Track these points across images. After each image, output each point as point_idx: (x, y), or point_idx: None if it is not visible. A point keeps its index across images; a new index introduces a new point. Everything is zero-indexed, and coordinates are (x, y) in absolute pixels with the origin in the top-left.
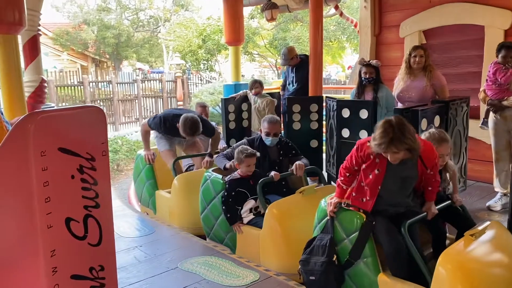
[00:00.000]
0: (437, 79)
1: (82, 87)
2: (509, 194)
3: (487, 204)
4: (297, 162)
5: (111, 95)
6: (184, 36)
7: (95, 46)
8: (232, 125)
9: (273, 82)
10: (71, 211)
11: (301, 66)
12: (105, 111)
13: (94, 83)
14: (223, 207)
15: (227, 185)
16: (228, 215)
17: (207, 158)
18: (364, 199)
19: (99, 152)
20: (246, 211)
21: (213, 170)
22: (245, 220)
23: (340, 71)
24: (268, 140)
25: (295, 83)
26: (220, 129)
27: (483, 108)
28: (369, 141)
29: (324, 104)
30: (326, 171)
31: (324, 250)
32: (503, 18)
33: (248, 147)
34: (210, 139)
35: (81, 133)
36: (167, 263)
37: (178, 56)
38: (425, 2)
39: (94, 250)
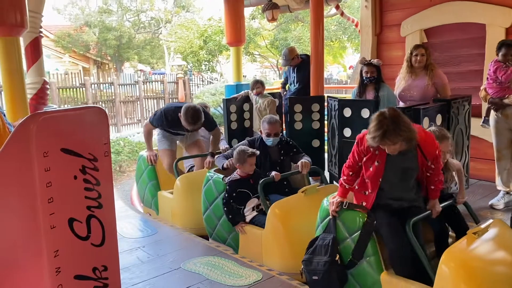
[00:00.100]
0: (439, 77)
1: (84, 89)
2: (511, 192)
3: (489, 203)
4: (302, 160)
5: (113, 97)
6: (185, 37)
7: (97, 48)
8: (234, 126)
9: (274, 82)
10: (74, 212)
11: (302, 66)
12: (107, 112)
13: (96, 85)
14: (224, 209)
15: (227, 187)
16: (230, 216)
17: (208, 159)
18: (367, 192)
19: (101, 153)
20: (249, 209)
21: (215, 170)
22: (248, 218)
23: (341, 71)
24: (269, 141)
25: (297, 83)
26: (222, 130)
27: (485, 106)
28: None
29: (325, 103)
30: (328, 171)
31: (326, 250)
32: (504, 16)
33: (247, 147)
34: (211, 137)
35: (83, 133)
36: (169, 264)
37: (179, 57)
38: (426, 1)
39: (97, 251)
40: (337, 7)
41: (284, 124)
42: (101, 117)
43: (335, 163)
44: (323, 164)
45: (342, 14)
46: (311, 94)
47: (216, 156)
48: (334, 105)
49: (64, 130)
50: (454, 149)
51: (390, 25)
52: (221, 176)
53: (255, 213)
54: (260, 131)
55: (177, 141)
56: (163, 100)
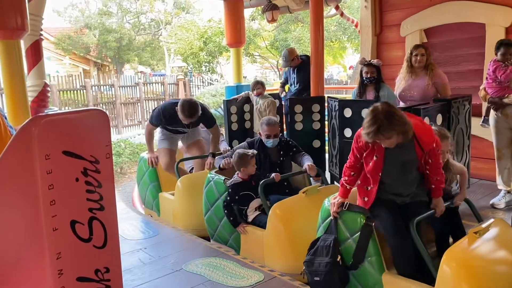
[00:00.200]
0: (439, 77)
1: (84, 91)
2: None
3: (490, 202)
4: (308, 163)
5: (114, 99)
6: (186, 38)
7: (97, 50)
8: (234, 127)
9: (274, 83)
10: (76, 214)
11: (302, 67)
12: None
13: (96, 87)
14: (225, 211)
15: (229, 190)
16: (231, 218)
17: (209, 160)
18: (369, 188)
19: (103, 155)
20: (251, 210)
21: (215, 172)
22: (250, 218)
23: (341, 71)
24: (269, 142)
25: (297, 84)
26: (223, 131)
27: (485, 106)
28: None
29: (326, 104)
30: (329, 171)
31: (328, 251)
32: (504, 16)
33: (246, 149)
34: (210, 136)
35: (85, 136)
36: (171, 265)
37: (179, 58)
38: (426, 0)
39: (99, 252)
40: (337, 8)
41: (284, 125)
42: (103, 119)
43: (335, 163)
44: (324, 164)
45: (342, 14)
46: (312, 95)
47: (216, 158)
48: (335, 105)
49: (66, 132)
50: (454, 149)
51: (390, 25)
52: (222, 177)
53: (257, 212)
54: (259, 133)
55: (179, 141)
56: (163, 102)
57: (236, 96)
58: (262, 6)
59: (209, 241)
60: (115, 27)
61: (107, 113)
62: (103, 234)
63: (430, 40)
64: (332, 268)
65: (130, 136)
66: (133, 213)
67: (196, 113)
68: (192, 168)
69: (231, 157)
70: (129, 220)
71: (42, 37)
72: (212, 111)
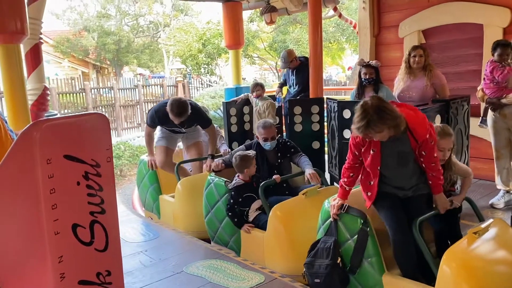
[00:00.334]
0: (437, 78)
1: (84, 93)
2: (511, 191)
3: (490, 202)
4: (310, 172)
5: (113, 101)
6: (184, 40)
7: (96, 52)
8: (234, 128)
9: (273, 84)
10: (78, 217)
11: (301, 69)
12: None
13: (95, 90)
14: (229, 214)
15: (232, 193)
16: (236, 220)
17: (208, 162)
18: (372, 182)
19: (103, 159)
20: (252, 210)
21: (215, 174)
22: (251, 218)
23: (340, 72)
24: (267, 145)
25: (296, 85)
26: (222, 133)
27: (483, 106)
28: None
29: (325, 105)
30: (329, 172)
31: (328, 253)
32: (502, 16)
33: (246, 152)
34: (208, 136)
35: (85, 140)
36: (172, 267)
37: (178, 60)
38: (424, 1)
39: (101, 256)
40: (335, 9)
41: (284, 126)
42: (103, 123)
43: (335, 164)
44: (323, 165)
45: (340, 16)
46: (310, 96)
47: (215, 160)
48: (334, 106)
49: (67, 137)
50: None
51: (388, 26)
52: (223, 179)
53: (257, 212)
54: (257, 136)
55: (178, 141)
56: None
57: (235, 98)
58: (261, 8)
59: (210, 243)
60: (114, 29)
61: (107, 115)
62: (105, 237)
63: (428, 41)
64: (332, 270)
65: (130, 138)
66: (134, 215)
67: (185, 112)
68: (191, 170)
69: (225, 160)
70: (130, 223)
71: (41, 41)
72: (211, 113)
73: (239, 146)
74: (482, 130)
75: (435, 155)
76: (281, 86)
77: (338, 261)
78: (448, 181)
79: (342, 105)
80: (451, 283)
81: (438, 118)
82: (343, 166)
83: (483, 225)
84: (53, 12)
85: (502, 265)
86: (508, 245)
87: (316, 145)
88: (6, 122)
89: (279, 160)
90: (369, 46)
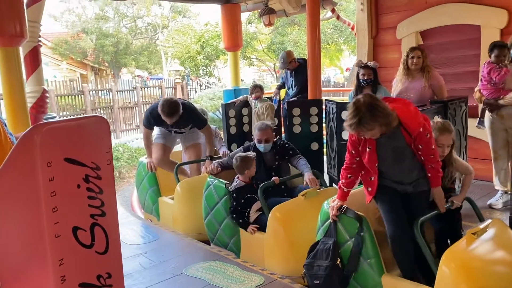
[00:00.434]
0: (435, 79)
1: (82, 96)
2: (509, 192)
3: (488, 202)
4: (309, 178)
5: (111, 103)
6: (183, 42)
7: (94, 54)
8: (233, 130)
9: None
10: (78, 220)
11: (299, 70)
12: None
13: (94, 92)
14: (233, 215)
15: (234, 195)
16: (240, 221)
17: (207, 163)
18: (372, 178)
19: (103, 161)
20: (253, 211)
21: (215, 176)
22: (252, 219)
23: (338, 73)
24: (261, 147)
25: (295, 87)
26: (221, 134)
27: (480, 107)
28: None
29: (323, 107)
30: (328, 173)
31: (328, 254)
32: (499, 18)
33: (246, 153)
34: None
35: (86, 143)
36: (172, 269)
37: (177, 62)
38: (421, 3)
39: (101, 258)
40: (333, 11)
41: (283, 128)
42: (103, 126)
43: (334, 165)
44: (322, 167)
45: (338, 17)
46: (309, 98)
47: (214, 162)
48: (332, 108)
49: (67, 140)
50: (459, 140)
51: (386, 28)
52: (222, 181)
53: (258, 213)
54: (253, 138)
55: (177, 140)
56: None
57: (234, 100)
58: (259, 10)
59: (209, 245)
60: (112, 31)
61: (105, 117)
62: (105, 240)
63: (426, 42)
64: (331, 271)
65: (128, 140)
66: (133, 217)
67: (176, 112)
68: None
69: (222, 163)
70: (129, 225)
71: (40, 43)
72: (210, 114)
73: (238, 147)
74: (480, 131)
75: (433, 147)
76: (279, 88)
77: (338, 262)
78: (448, 178)
79: (341, 106)
80: (450, 284)
81: (436, 119)
82: (342, 167)
83: (482, 226)
84: (51, 14)
85: (501, 265)
86: (506, 245)
87: (314, 146)
88: (5, 125)
89: (276, 163)
90: (367, 47)
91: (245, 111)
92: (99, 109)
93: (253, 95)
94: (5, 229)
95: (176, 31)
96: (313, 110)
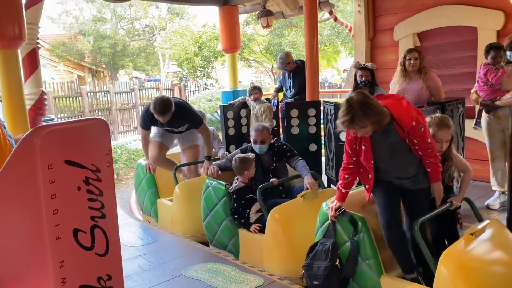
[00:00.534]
0: (433, 80)
1: (80, 97)
2: (507, 192)
3: (485, 203)
4: (309, 181)
5: (109, 105)
6: (180, 44)
7: (91, 56)
8: (231, 132)
9: (269, 87)
10: (79, 222)
11: (297, 72)
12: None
13: (92, 93)
14: (235, 216)
15: (234, 196)
16: (242, 221)
17: (205, 164)
18: (369, 176)
19: (103, 163)
20: (253, 211)
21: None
22: (252, 219)
23: (335, 75)
24: (256, 148)
25: (293, 88)
26: (220, 136)
27: (477, 108)
28: None
29: (321, 108)
30: (326, 174)
31: (327, 255)
32: (495, 19)
33: (245, 154)
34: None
35: (86, 145)
36: (171, 271)
37: (174, 64)
38: (418, 5)
39: (102, 260)
40: (331, 13)
41: (281, 129)
42: (103, 128)
43: (332, 166)
44: (321, 168)
45: (335, 19)
46: (307, 99)
47: (213, 164)
48: (330, 109)
49: (68, 142)
50: (456, 141)
51: (383, 30)
52: (221, 183)
53: (259, 214)
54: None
55: (174, 140)
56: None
57: (232, 101)
58: (257, 12)
59: (208, 246)
60: (110, 33)
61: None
62: (105, 242)
63: (423, 43)
64: (331, 272)
65: (126, 142)
66: (131, 219)
67: (168, 111)
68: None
69: (220, 165)
70: (128, 227)
71: (38, 45)
72: (208, 115)
73: (236, 149)
74: (477, 131)
75: (429, 140)
76: (278, 91)
77: (337, 263)
78: (448, 173)
79: (339, 107)
80: (448, 284)
81: (434, 115)
82: (340, 169)
83: (480, 226)
84: (49, 16)
85: (499, 266)
86: (504, 246)
87: (313, 147)
88: (4, 127)
89: (274, 164)
90: (364, 49)
91: (243, 112)
92: (97, 111)
93: (252, 97)
94: (5, 231)
95: (174, 32)
96: (311, 112)
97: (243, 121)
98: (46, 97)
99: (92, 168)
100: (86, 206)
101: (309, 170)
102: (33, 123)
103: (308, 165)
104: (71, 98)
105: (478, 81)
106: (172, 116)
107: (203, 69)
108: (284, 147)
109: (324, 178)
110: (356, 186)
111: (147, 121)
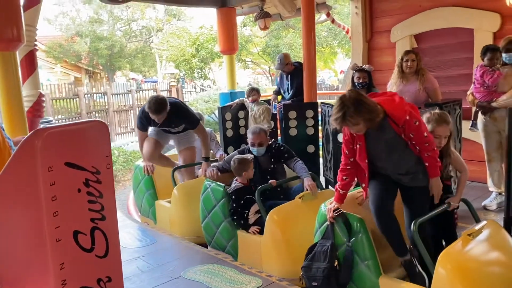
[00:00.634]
0: (430, 82)
1: (77, 99)
2: (503, 193)
3: (482, 204)
4: (309, 184)
5: (106, 106)
6: (178, 45)
7: (88, 57)
8: (229, 133)
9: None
10: (79, 224)
11: (295, 73)
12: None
13: (89, 95)
14: (234, 217)
15: (233, 196)
16: (242, 222)
17: (204, 166)
18: (366, 174)
19: (103, 165)
20: (252, 212)
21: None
22: (251, 221)
23: (332, 76)
24: (254, 151)
25: (291, 90)
26: (218, 138)
27: (474, 110)
28: None
29: (319, 109)
30: (324, 176)
31: (325, 256)
32: (492, 21)
33: (243, 155)
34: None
35: (86, 147)
36: (170, 272)
37: (171, 65)
38: (415, 6)
39: (102, 262)
40: (328, 15)
41: (279, 131)
42: (103, 130)
43: (330, 168)
44: (318, 169)
45: (333, 21)
46: (305, 101)
47: (211, 165)
48: (328, 111)
49: (68, 144)
50: (455, 134)
51: (380, 31)
52: (220, 184)
53: (258, 215)
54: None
55: (170, 139)
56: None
57: (231, 103)
58: (255, 14)
59: (207, 248)
60: (106, 34)
61: None
62: (105, 243)
63: (420, 45)
64: (329, 273)
65: (124, 143)
66: (130, 221)
67: (163, 110)
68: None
69: (218, 167)
70: (126, 228)
71: (36, 47)
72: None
73: (234, 150)
74: (474, 133)
75: (425, 134)
76: (276, 93)
77: (336, 264)
78: (446, 170)
79: None
80: (446, 285)
81: (433, 111)
82: (338, 170)
83: (477, 227)
84: (45, 18)
85: (496, 266)
86: (501, 246)
87: (311, 149)
88: (3, 129)
89: (272, 166)
90: (361, 50)
91: (241, 114)
92: (94, 113)
93: (250, 98)
94: (6, 233)
95: (171, 34)
96: (309, 113)
97: (241, 122)
98: (44, 99)
99: (92, 170)
100: (86, 208)
101: (308, 171)
102: (31, 125)
103: (306, 167)
104: (68, 100)
105: (474, 82)
106: (167, 115)
107: (200, 71)
108: (282, 148)
109: (322, 179)
110: (353, 188)
111: (144, 121)
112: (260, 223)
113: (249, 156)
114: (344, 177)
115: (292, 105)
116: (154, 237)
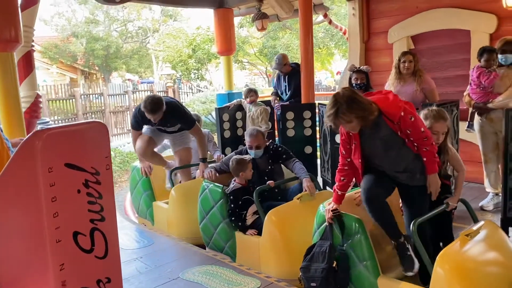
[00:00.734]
0: (427, 83)
1: (73, 100)
2: (500, 194)
3: (480, 204)
4: (308, 185)
5: (103, 107)
6: (174, 46)
7: (84, 58)
8: (227, 134)
9: (264, 89)
10: (78, 225)
11: (293, 75)
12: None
13: (85, 96)
14: (232, 218)
15: (231, 197)
16: (240, 224)
17: (201, 167)
18: (360, 172)
19: (103, 166)
20: (250, 213)
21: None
22: (249, 222)
23: (329, 77)
24: (252, 153)
25: (288, 91)
26: (215, 139)
27: (470, 111)
28: None
29: (317, 110)
30: (321, 176)
31: (324, 257)
32: (488, 22)
33: (241, 156)
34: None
35: (86, 148)
36: (168, 274)
37: (168, 66)
38: (412, 8)
39: (101, 263)
40: (325, 16)
41: (276, 132)
42: (102, 131)
43: (327, 168)
44: (316, 170)
45: (330, 22)
46: (302, 102)
47: (209, 166)
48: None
49: (68, 145)
50: (452, 134)
51: (377, 32)
52: (218, 185)
53: (255, 216)
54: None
55: (164, 139)
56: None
57: (228, 104)
58: (252, 15)
59: (205, 249)
60: (102, 35)
61: None
62: (104, 244)
63: (417, 46)
64: (328, 274)
65: (120, 144)
66: (127, 222)
67: (159, 109)
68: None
69: (215, 167)
70: (124, 230)
71: (33, 48)
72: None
73: (232, 151)
74: (470, 134)
75: (422, 129)
76: (276, 94)
77: (334, 265)
78: (444, 167)
79: None
80: (445, 285)
81: (431, 108)
82: (336, 170)
83: (475, 227)
84: (41, 18)
85: (494, 266)
86: (499, 247)
87: (308, 149)
88: (1, 130)
89: (269, 167)
90: (359, 51)
91: (239, 115)
92: (90, 113)
93: (248, 99)
94: (6, 234)
95: (167, 35)
96: (307, 114)
97: (239, 123)
98: (41, 99)
99: (92, 171)
100: (86, 209)
101: (307, 172)
102: (28, 126)
103: (302, 163)
104: (64, 101)
105: (471, 83)
106: (163, 115)
107: (197, 72)
108: (279, 149)
109: (319, 180)
110: (352, 189)
111: (139, 120)
112: (258, 224)
113: (247, 156)
114: (342, 178)
115: (290, 106)
116: (152, 239)
